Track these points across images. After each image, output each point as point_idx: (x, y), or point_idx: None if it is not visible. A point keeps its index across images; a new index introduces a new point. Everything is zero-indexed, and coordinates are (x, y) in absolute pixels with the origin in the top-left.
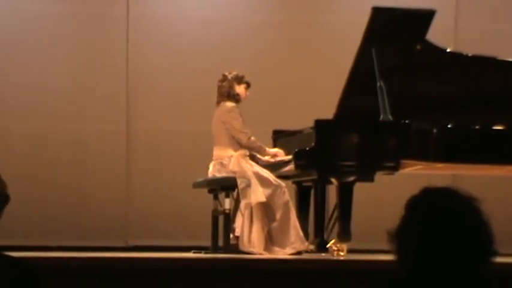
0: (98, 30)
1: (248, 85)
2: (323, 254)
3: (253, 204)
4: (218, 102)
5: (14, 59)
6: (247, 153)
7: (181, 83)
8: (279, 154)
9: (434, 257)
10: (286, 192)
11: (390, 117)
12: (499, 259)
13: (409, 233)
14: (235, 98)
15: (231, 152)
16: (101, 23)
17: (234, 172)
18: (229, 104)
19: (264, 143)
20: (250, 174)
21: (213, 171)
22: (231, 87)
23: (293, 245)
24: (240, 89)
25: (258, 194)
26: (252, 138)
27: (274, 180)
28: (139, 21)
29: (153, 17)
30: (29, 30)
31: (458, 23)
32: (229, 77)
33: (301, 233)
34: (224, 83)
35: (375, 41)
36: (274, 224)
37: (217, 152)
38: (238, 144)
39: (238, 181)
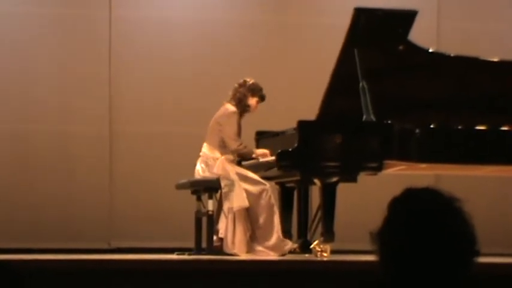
0: (80, 32)
1: (261, 99)
2: (307, 255)
3: (235, 209)
4: (228, 101)
5: None
6: (235, 158)
7: (164, 85)
8: (266, 155)
9: (416, 258)
10: (272, 195)
11: (373, 118)
12: (482, 259)
13: (391, 234)
14: (244, 108)
15: (217, 154)
16: (83, 26)
17: (218, 175)
18: (231, 109)
19: (248, 143)
20: (234, 178)
21: (199, 169)
22: (245, 96)
23: (274, 248)
24: (252, 101)
25: (240, 199)
26: (242, 145)
27: (260, 181)
28: (122, 24)
29: (136, 20)
30: (10, 32)
31: (441, 23)
32: (247, 85)
33: (281, 237)
34: (241, 89)
35: (357, 42)
36: (257, 227)
37: (205, 149)
38: (227, 149)
39: (222, 184)
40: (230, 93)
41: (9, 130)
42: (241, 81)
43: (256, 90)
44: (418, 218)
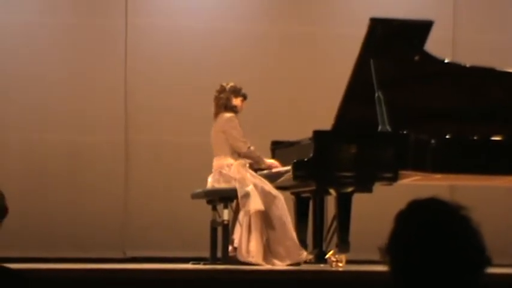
0: (96, 41)
1: (244, 98)
2: (322, 265)
3: (251, 212)
4: (216, 114)
5: (12, 70)
6: (247, 163)
7: (179, 94)
8: (275, 166)
9: (425, 269)
10: (284, 204)
11: (388, 128)
12: (495, 270)
13: (398, 247)
14: (233, 110)
15: (230, 160)
16: (100, 35)
17: (235, 179)
18: (229, 115)
19: (263, 154)
20: (250, 182)
21: (212, 181)
22: (228, 99)
23: (290, 256)
24: (236, 102)
25: (256, 203)
26: (252, 147)
27: (273, 191)
28: (138, 33)
29: (152, 29)
30: (27, 41)
31: (456, 34)
32: (227, 88)
33: (298, 244)
34: (222, 95)
35: (373, 52)
36: (272, 235)
37: (216, 162)
38: (238, 154)
39: (238, 188)
40: (213, 103)
41: (24, 139)
42: (219, 87)
43: (237, 91)
44: (424, 229)
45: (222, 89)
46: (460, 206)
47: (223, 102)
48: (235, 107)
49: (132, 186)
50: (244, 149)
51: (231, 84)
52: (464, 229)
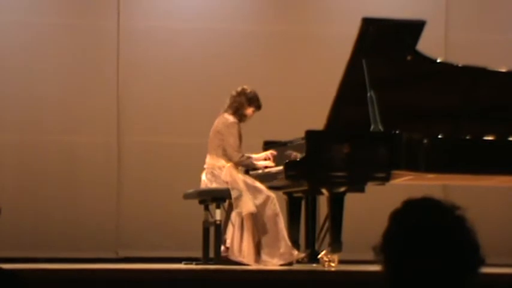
0: (89, 42)
1: (258, 108)
2: (314, 265)
3: (244, 214)
4: (226, 111)
5: (5, 70)
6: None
7: (172, 95)
8: (270, 156)
9: (419, 269)
10: (277, 204)
11: (381, 128)
12: (490, 269)
13: (391, 246)
14: (241, 117)
15: (222, 162)
16: (92, 36)
17: (226, 182)
18: (231, 119)
19: (255, 153)
20: (241, 184)
21: (205, 180)
22: (243, 105)
23: (282, 256)
24: (248, 110)
25: (249, 205)
26: (244, 157)
27: (265, 191)
28: (130, 34)
29: (144, 30)
30: (20, 42)
31: (449, 34)
32: (246, 94)
33: (290, 244)
34: (239, 98)
35: (365, 52)
36: (264, 235)
37: (209, 160)
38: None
39: (231, 191)
40: (227, 101)
41: (18, 140)
42: (240, 89)
43: (254, 100)
44: (418, 229)
45: (242, 92)
46: (454, 205)
47: (236, 106)
48: (245, 116)
49: (125, 186)
50: (235, 159)
51: (251, 90)
52: (459, 228)
